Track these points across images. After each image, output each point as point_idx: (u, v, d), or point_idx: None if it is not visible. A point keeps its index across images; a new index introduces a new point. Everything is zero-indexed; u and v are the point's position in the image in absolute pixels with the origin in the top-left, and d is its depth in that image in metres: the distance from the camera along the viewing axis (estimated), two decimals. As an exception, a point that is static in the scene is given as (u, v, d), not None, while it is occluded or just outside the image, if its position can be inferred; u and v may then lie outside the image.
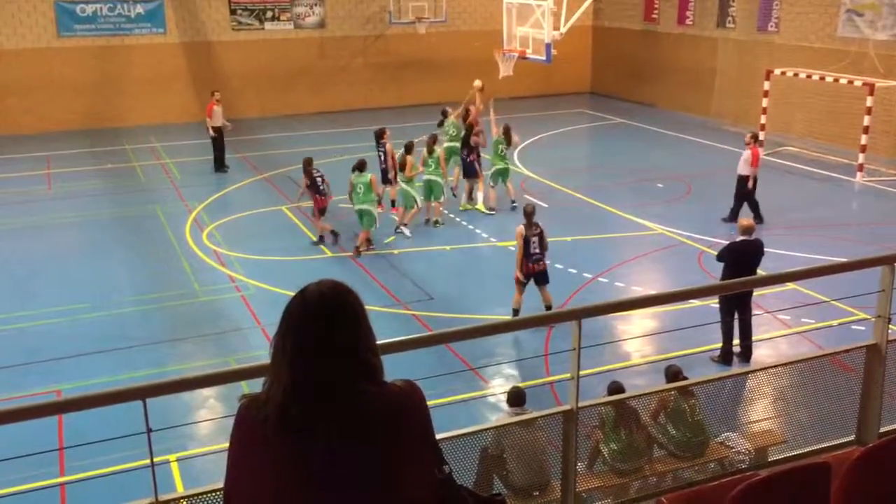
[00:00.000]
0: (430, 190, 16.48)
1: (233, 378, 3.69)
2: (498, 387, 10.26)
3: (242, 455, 2.32)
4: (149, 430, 3.33)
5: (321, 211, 15.45)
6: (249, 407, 2.33)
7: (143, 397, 3.31)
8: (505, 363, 11.00)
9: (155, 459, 3.57)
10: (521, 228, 11.58)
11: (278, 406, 2.24)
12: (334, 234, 15.49)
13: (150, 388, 3.42)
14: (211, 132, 20.42)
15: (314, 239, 15.62)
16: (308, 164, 15.60)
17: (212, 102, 20.48)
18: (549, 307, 11.56)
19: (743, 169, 15.70)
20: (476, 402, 9.87)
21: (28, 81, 25.75)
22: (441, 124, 18.30)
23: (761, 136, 22.21)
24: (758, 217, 15.37)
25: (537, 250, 11.59)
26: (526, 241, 11.50)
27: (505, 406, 7.89)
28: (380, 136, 17.09)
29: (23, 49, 25.88)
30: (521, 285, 11.69)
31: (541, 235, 11.58)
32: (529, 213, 11.64)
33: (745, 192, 15.79)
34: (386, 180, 16.92)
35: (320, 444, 2.22)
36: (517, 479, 6.34)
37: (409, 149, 16.28)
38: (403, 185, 16.12)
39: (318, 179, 15.37)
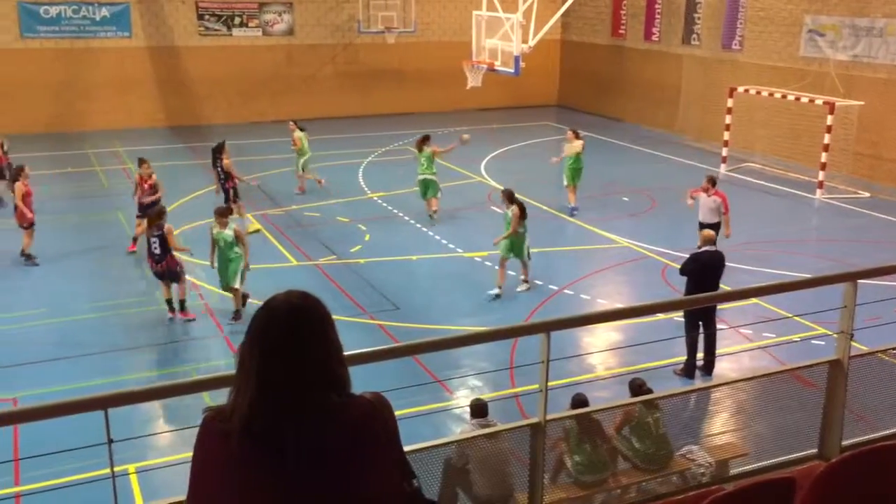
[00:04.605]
0: (427, 188, 17.16)
1: (197, 388, 3.62)
2: (463, 398, 10.23)
3: (206, 468, 2.27)
4: (109, 441, 3.25)
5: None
6: (213, 419, 2.28)
7: (104, 407, 3.23)
8: (470, 375, 10.98)
9: (118, 469, 3.50)
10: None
11: (243, 418, 2.20)
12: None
13: (112, 398, 3.34)
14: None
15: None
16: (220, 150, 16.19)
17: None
18: (169, 301, 12.33)
19: (708, 217, 13.80)
20: (440, 413, 9.83)
21: (-12, 82, 25.30)
22: (421, 147, 17.78)
23: (724, 151, 22.57)
24: None
25: (158, 251, 12.21)
26: (147, 241, 12.38)
27: (468, 418, 7.87)
28: (219, 150, 16.57)
29: (-17, 49, 25.43)
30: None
31: (161, 238, 12.17)
32: (160, 214, 12.53)
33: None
34: (228, 199, 16.23)
35: (286, 456, 2.18)
36: (481, 491, 6.31)
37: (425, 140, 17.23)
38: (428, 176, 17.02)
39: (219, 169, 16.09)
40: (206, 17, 27.95)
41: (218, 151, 16.36)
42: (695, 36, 26.76)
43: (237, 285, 12.26)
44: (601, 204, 18.78)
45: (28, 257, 14.60)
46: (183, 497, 2.37)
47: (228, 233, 12.18)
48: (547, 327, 4.15)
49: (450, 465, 5.69)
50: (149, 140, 24.91)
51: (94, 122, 26.51)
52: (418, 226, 17.21)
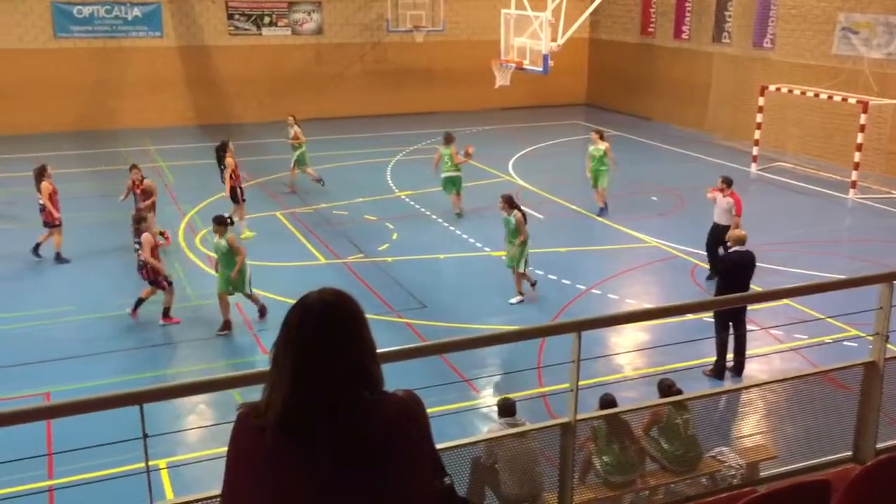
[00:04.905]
0: (453, 184, 17.44)
1: (231, 384, 3.65)
2: (489, 397, 10.22)
3: (240, 463, 2.29)
4: (145, 436, 3.29)
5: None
6: (248, 415, 2.30)
7: (140, 402, 3.26)
8: (497, 374, 10.97)
9: (152, 465, 3.53)
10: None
11: (277, 414, 2.21)
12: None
13: (148, 393, 3.37)
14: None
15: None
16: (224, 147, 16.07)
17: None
18: (140, 301, 12.29)
19: (722, 218, 13.71)
20: (467, 412, 9.83)
21: (23, 82, 25.68)
22: (449, 141, 17.93)
23: (755, 151, 22.33)
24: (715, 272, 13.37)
25: (139, 258, 12.21)
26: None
27: (496, 417, 7.86)
28: (222, 149, 16.34)
29: (19, 49, 25.80)
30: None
31: (141, 245, 12.03)
32: (138, 220, 12.48)
33: (721, 240, 13.15)
34: (234, 198, 16.16)
35: (320, 453, 2.20)
36: (509, 490, 6.30)
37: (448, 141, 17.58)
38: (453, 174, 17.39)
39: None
40: (237, 16, 28.16)
41: (222, 150, 16.21)
42: (725, 34, 26.51)
43: (248, 291, 12.15)
44: (630, 203, 18.67)
45: (58, 256, 14.75)
46: (212, 492, 2.39)
47: (222, 242, 11.87)
48: (578, 327, 4.12)
49: (478, 464, 5.69)
50: (179, 138, 25.18)
51: (125, 120, 26.82)
52: (446, 224, 17.21)
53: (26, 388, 10.19)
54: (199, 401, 9.84)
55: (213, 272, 12.56)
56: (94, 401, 3.28)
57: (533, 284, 13.36)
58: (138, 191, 14.82)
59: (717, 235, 13.56)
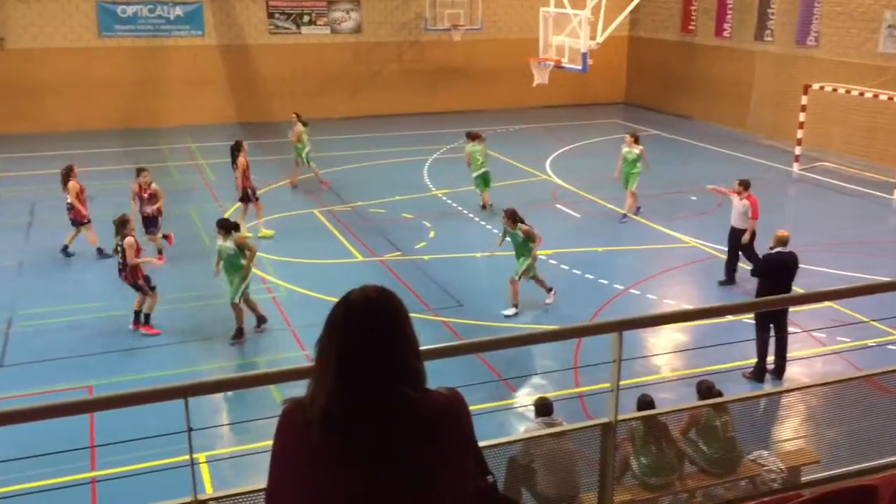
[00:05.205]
0: (485, 182, 17.76)
1: (276, 379, 3.68)
2: (525, 396, 10.19)
3: (285, 458, 2.32)
4: (189, 429, 3.33)
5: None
6: (293, 411, 2.32)
7: (184, 396, 3.30)
8: (533, 373, 10.93)
9: (186, 459, 3.57)
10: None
11: (322, 410, 2.23)
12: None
13: (193, 387, 3.41)
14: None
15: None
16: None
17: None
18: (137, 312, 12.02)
19: (741, 222, 13.46)
20: (503, 411, 9.81)
21: (68, 80, 26.17)
22: (474, 138, 18.16)
23: (797, 150, 21.98)
24: (730, 279, 13.68)
25: (121, 261, 11.94)
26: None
27: (532, 416, 7.84)
28: (236, 149, 16.25)
29: (64, 48, 26.30)
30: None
31: (124, 248, 11.82)
32: (123, 223, 12.06)
33: (740, 246, 13.49)
34: (247, 198, 16.13)
35: (364, 450, 2.21)
36: (546, 490, 6.28)
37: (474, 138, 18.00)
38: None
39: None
40: (276, 15, 28.40)
41: (236, 150, 16.21)
42: (768, 32, 26.12)
43: (236, 300, 11.59)
44: (669, 203, 18.49)
45: (100, 251, 14.97)
46: (259, 484, 2.41)
47: (229, 245, 11.49)
48: (619, 326, 4.08)
49: (514, 463, 5.68)
50: (219, 136, 25.43)
51: (167, 118, 27.19)
52: (482, 223, 17.20)
53: (67, 382, 10.39)
54: (232, 395, 9.94)
55: (214, 275, 12.14)
56: (141, 394, 3.33)
57: (549, 290, 12.93)
58: (146, 195, 14.70)
59: (735, 239, 13.49)
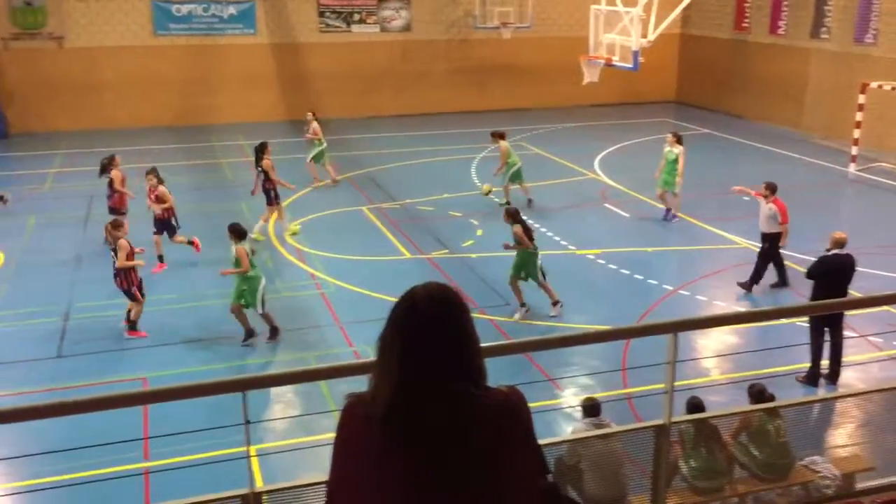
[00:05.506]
0: (520, 176, 17.99)
1: (334, 374, 3.72)
2: (572, 396, 10.15)
3: (348, 451, 2.35)
4: (247, 422, 3.39)
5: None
6: (356, 405, 2.36)
7: (243, 389, 3.37)
8: (581, 374, 10.87)
9: (234, 451, 3.63)
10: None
11: (385, 405, 2.26)
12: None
13: (251, 381, 3.48)
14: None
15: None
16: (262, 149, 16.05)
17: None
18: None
19: (768, 226, 13.06)
20: (551, 411, 9.78)
21: (124, 78, 26.74)
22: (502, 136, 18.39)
23: (854, 150, 21.50)
24: (782, 280, 13.37)
25: (114, 266, 11.77)
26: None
27: (579, 416, 7.82)
28: (261, 150, 16.13)
29: (121, 46, 26.87)
30: None
31: (115, 252, 11.64)
32: (116, 226, 11.97)
33: (770, 252, 13.20)
34: (270, 200, 15.98)
35: (426, 443, 2.23)
36: (593, 491, 6.25)
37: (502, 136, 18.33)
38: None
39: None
40: (327, 14, 28.64)
41: (260, 151, 16.11)
42: (824, 29, 25.58)
43: (262, 309, 11.51)
44: (721, 203, 18.22)
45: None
46: (316, 477, 2.44)
47: (231, 251, 11.41)
48: (674, 328, 4.04)
49: (561, 463, 5.67)
50: (269, 133, 25.64)
51: (219, 115, 27.60)
52: (530, 221, 17.09)
53: (124, 373, 10.64)
54: (281, 391, 10.05)
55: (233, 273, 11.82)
56: (199, 387, 3.41)
57: (555, 304, 12.50)
58: (153, 196, 14.62)
59: (764, 245, 13.16)
